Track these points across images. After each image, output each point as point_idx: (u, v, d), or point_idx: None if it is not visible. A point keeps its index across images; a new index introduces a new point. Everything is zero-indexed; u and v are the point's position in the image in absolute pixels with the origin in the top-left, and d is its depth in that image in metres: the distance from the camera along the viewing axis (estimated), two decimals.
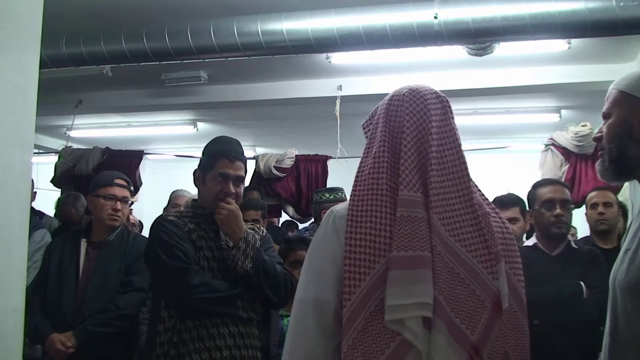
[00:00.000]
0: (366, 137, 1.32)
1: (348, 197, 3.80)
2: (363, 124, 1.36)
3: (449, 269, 1.14)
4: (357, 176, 1.24)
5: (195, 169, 2.06)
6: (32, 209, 4.05)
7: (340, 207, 1.24)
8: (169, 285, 1.85)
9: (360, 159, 1.29)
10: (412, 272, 1.11)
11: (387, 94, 1.34)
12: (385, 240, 1.14)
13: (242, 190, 2.03)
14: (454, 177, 1.21)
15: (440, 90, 1.33)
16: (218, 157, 1.97)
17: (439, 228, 1.15)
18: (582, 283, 2.23)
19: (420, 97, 1.26)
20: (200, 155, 2.07)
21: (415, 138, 1.22)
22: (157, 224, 1.94)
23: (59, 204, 3.59)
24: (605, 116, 1.32)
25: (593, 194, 3.14)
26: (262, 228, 2.15)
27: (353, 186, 1.23)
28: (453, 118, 1.29)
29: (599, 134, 1.33)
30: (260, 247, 1.95)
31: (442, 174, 1.20)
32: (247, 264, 1.87)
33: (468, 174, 1.23)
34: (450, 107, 1.30)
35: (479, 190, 1.29)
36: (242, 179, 2.02)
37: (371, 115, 1.35)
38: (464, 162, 1.24)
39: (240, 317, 1.88)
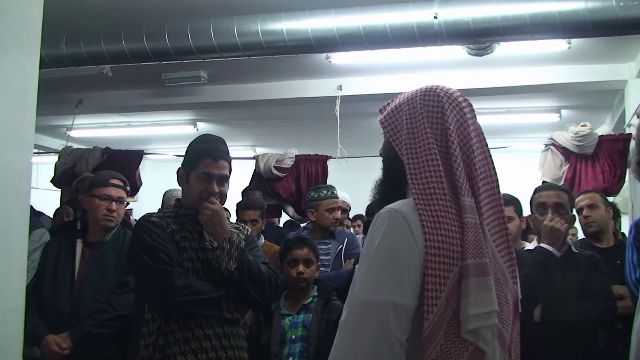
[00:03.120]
0: (388, 132, 1.26)
1: (340, 195, 3.73)
2: (383, 119, 1.28)
3: (494, 275, 1.15)
4: (412, 178, 1.17)
5: (179, 168, 2.02)
6: (31, 208, 4.06)
7: (406, 208, 1.15)
8: (152, 288, 1.83)
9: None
10: (484, 280, 1.10)
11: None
12: (457, 248, 1.10)
13: (226, 190, 1.99)
14: (489, 181, 1.22)
15: None
16: (202, 156, 1.94)
17: (488, 234, 1.16)
18: (550, 248, 2.26)
19: (454, 99, 1.24)
20: (184, 153, 2.03)
21: (460, 141, 1.19)
22: (140, 225, 1.91)
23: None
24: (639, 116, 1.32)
25: (579, 198, 3.16)
26: (246, 227, 2.13)
27: (413, 189, 1.15)
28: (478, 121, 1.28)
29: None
30: (244, 247, 1.93)
31: (483, 178, 1.20)
32: (232, 265, 1.84)
33: (497, 180, 1.23)
34: (474, 109, 1.28)
35: None
36: (227, 178, 1.99)
37: (394, 110, 1.27)
38: (495, 167, 1.24)
39: (225, 318, 1.86)
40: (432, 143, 1.18)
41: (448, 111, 1.20)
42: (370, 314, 1.07)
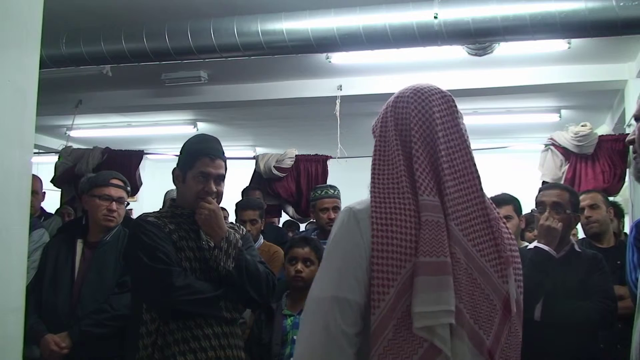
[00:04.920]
0: (375, 139, 1.29)
1: (341, 196, 3.70)
2: (372, 126, 1.32)
3: (467, 274, 1.13)
4: (374, 179, 1.21)
5: (174, 168, 2.01)
6: (41, 209, 4.07)
7: (361, 206, 1.19)
8: (152, 288, 1.82)
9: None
10: (437, 279, 1.09)
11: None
12: (411, 244, 1.12)
13: (223, 189, 2.00)
14: (465, 179, 1.19)
15: None
16: (199, 156, 1.94)
17: (457, 233, 1.14)
18: (546, 248, 2.26)
19: (424, 98, 1.24)
20: (179, 153, 2.03)
21: (424, 141, 1.20)
22: (137, 225, 1.90)
23: None
24: (637, 118, 1.31)
25: (580, 197, 3.12)
26: (242, 227, 2.13)
27: (372, 189, 1.19)
28: (460, 117, 1.27)
29: (632, 137, 1.33)
30: (241, 247, 1.93)
31: (454, 178, 1.18)
32: (230, 264, 1.85)
33: (478, 176, 1.21)
34: (455, 105, 1.28)
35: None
36: (223, 177, 1.99)
37: (380, 116, 1.32)
38: (474, 164, 1.21)
39: (224, 318, 1.86)
40: (397, 145, 1.21)
41: (414, 112, 1.22)
42: (317, 309, 1.12)
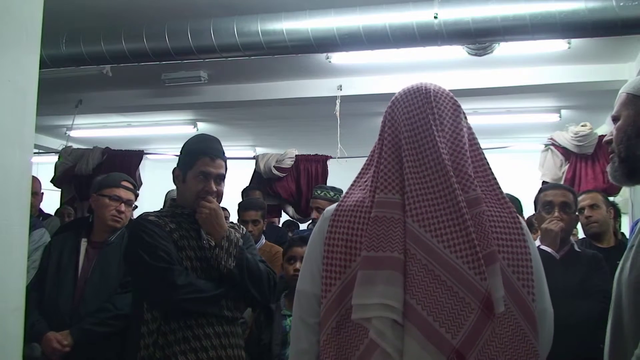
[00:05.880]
0: None
1: None
2: None
3: (427, 271, 1.10)
4: (355, 179, 1.29)
5: (175, 168, 2.02)
6: (40, 210, 4.07)
7: (332, 207, 1.28)
8: (153, 286, 1.83)
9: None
10: (378, 273, 1.11)
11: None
12: (362, 239, 1.17)
13: (223, 189, 2.00)
14: (434, 176, 1.17)
15: None
16: (199, 156, 1.94)
17: (416, 230, 1.12)
18: (549, 249, 2.29)
19: (399, 98, 1.29)
20: (179, 153, 2.04)
21: (392, 141, 1.23)
22: (138, 224, 1.91)
23: None
24: (615, 119, 1.34)
25: (580, 197, 3.10)
26: (242, 227, 2.14)
27: (348, 188, 1.28)
28: (433, 113, 1.23)
29: (610, 137, 1.34)
30: (242, 245, 1.94)
31: (419, 175, 1.17)
32: (231, 263, 1.85)
33: (447, 171, 1.16)
34: (429, 100, 1.25)
35: (485, 185, 1.22)
36: (223, 177, 2.00)
37: None
38: (442, 160, 1.17)
39: (225, 317, 1.87)
40: (379, 146, 1.27)
41: (389, 113, 1.28)
42: (294, 300, 1.28)
